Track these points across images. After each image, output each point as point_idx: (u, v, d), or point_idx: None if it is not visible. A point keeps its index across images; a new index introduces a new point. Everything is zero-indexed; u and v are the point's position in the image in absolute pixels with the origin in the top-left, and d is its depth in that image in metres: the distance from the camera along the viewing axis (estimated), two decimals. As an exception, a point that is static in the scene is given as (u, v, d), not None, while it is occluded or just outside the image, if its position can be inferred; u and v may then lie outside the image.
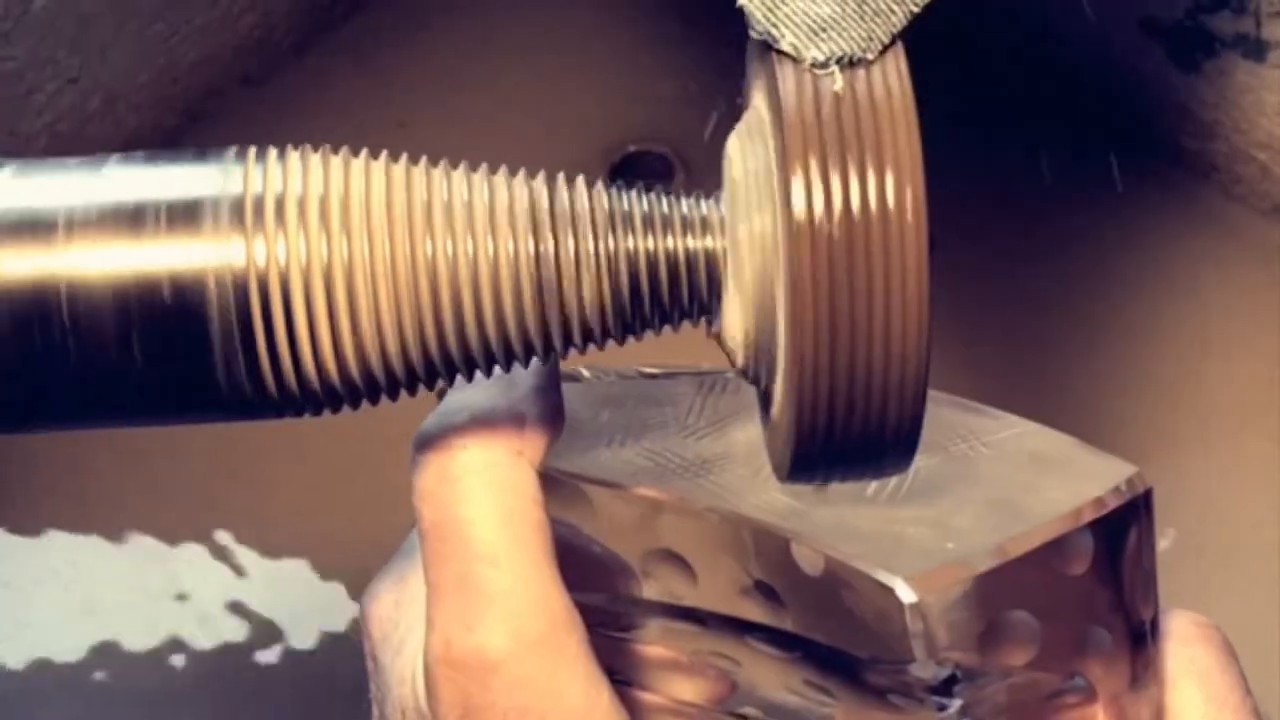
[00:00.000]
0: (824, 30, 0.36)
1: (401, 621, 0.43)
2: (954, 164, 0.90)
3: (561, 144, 0.96)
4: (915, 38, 0.37)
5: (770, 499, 0.40)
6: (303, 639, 0.85)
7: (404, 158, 0.38)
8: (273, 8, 0.97)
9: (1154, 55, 0.91)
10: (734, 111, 0.40)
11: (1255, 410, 0.90)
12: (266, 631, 0.85)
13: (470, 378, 0.39)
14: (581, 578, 0.43)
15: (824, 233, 0.35)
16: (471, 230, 0.37)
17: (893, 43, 0.36)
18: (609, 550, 0.45)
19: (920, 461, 0.38)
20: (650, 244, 0.38)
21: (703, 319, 0.39)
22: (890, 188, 0.35)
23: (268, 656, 0.85)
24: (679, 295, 0.38)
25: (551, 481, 0.43)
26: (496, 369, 0.39)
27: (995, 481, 0.44)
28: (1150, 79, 0.93)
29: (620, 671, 0.45)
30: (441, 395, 0.42)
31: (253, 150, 0.37)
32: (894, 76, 0.35)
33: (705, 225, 0.38)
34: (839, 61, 0.35)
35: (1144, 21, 0.90)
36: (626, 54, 0.99)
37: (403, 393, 0.39)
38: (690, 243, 0.38)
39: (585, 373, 0.49)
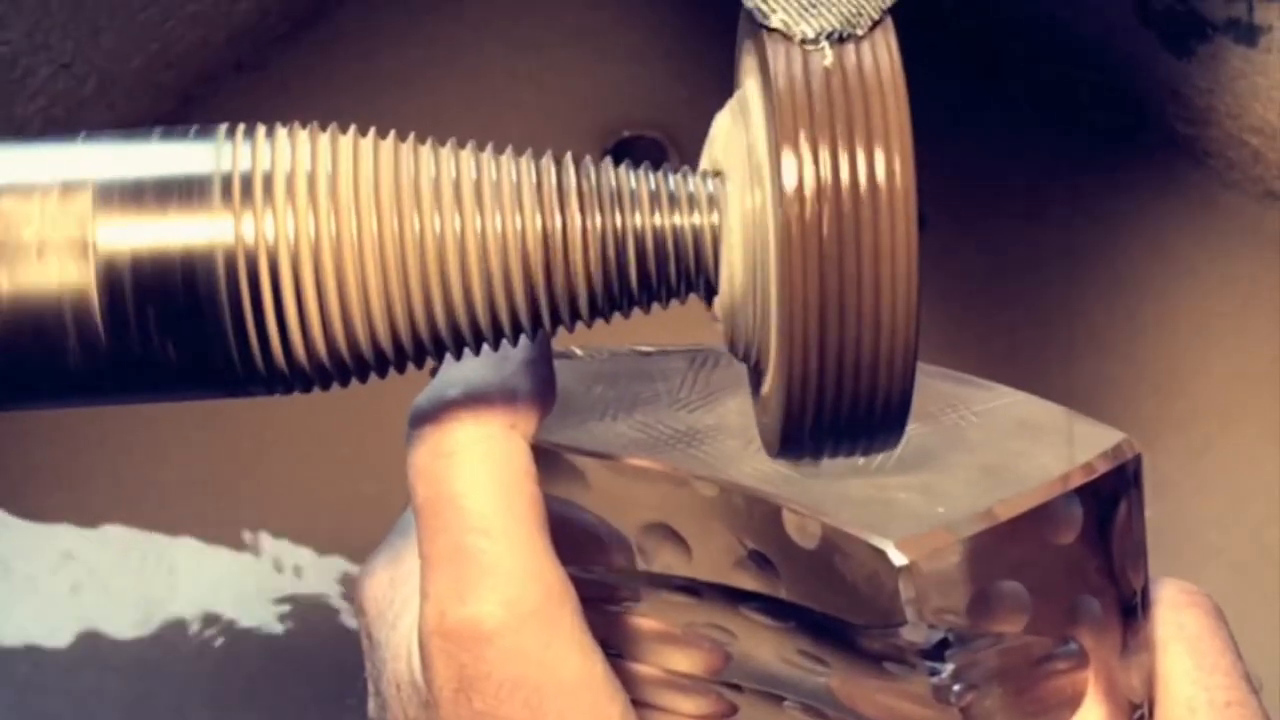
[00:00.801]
0: (814, 6, 0.36)
1: (396, 598, 0.43)
2: (946, 148, 0.90)
3: (555, 129, 0.96)
4: (908, 22, 0.37)
5: (762, 467, 0.40)
6: (299, 622, 0.85)
7: (392, 134, 0.38)
8: (267, -7, 0.97)
9: (1147, 40, 0.91)
10: (727, 96, 0.40)
11: (1250, 395, 0.90)
12: (263, 616, 0.85)
13: (459, 355, 0.39)
14: (576, 552, 0.43)
15: (814, 208, 0.35)
16: (465, 206, 0.37)
17: (882, 19, 0.36)
18: (603, 523, 0.45)
19: (911, 430, 0.38)
20: (641, 221, 0.38)
21: (694, 296, 0.39)
22: (880, 163, 0.35)
23: (263, 643, 0.85)
24: (670, 272, 0.38)
25: (545, 456, 0.43)
26: (485, 347, 0.39)
27: (985, 448, 0.44)
28: (1143, 64, 0.93)
29: (615, 645, 0.46)
30: (435, 373, 0.42)
31: (242, 127, 0.37)
32: (884, 52, 0.36)
33: (696, 202, 0.38)
34: (829, 37, 0.36)
35: (1138, 6, 0.91)
36: (619, 39, 0.99)
37: (392, 371, 0.39)
38: (680, 220, 0.38)
39: (578, 351, 0.49)
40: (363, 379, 0.39)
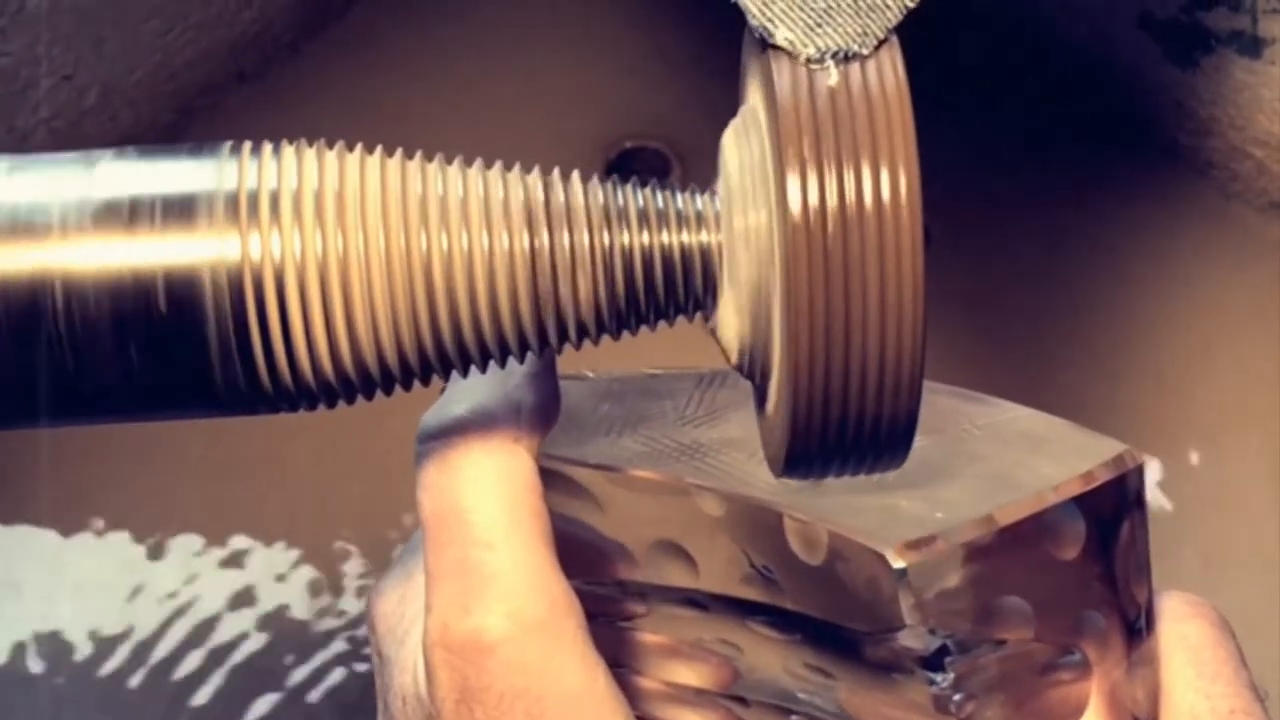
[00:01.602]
0: (819, 25, 0.36)
1: (406, 614, 0.44)
2: (951, 161, 0.90)
3: (558, 140, 0.96)
4: (911, 34, 0.37)
5: (765, 478, 0.40)
6: (295, 632, 0.85)
7: (399, 152, 0.38)
8: (269, 4, 0.97)
9: (1151, 51, 0.91)
10: (730, 107, 0.40)
11: (1252, 405, 0.90)
12: (259, 625, 0.85)
13: (465, 373, 0.39)
14: (582, 566, 0.43)
15: (819, 228, 0.35)
16: (466, 225, 0.37)
17: (887, 38, 0.36)
18: (608, 539, 0.46)
19: (914, 443, 0.38)
20: (646, 239, 0.38)
21: (699, 314, 0.39)
22: (885, 182, 0.35)
23: (258, 651, 0.85)
24: (675, 290, 0.38)
25: (551, 475, 0.43)
26: (492, 364, 0.39)
27: (987, 459, 0.44)
28: (1147, 75, 0.93)
29: (621, 660, 0.46)
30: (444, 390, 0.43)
31: (247, 145, 0.37)
32: (889, 71, 0.36)
33: (701, 220, 0.38)
34: (834, 56, 0.36)
35: (1141, 18, 0.90)
36: (623, 50, 0.99)
37: (398, 388, 0.39)
38: (686, 238, 0.38)
39: (590, 374, 0.49)
40: (368, 396, 0.39)
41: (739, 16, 0.37)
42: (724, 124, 0.40)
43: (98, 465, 0.88)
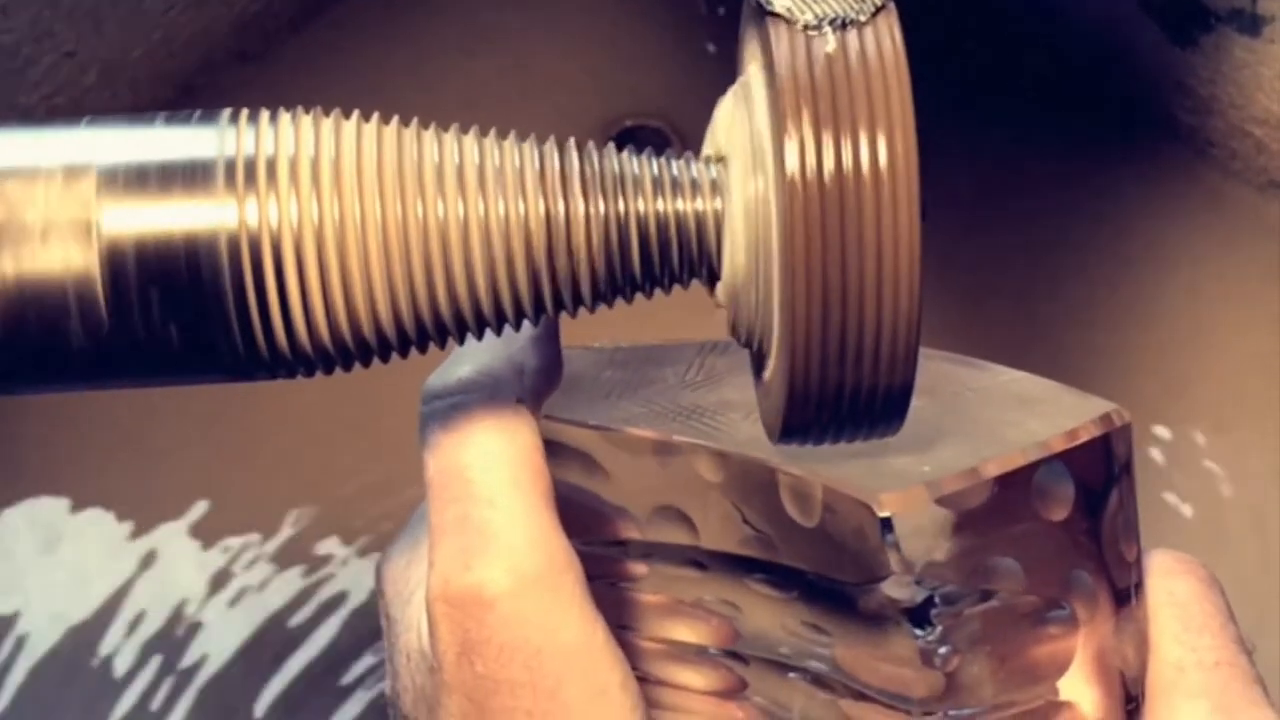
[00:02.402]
0: (817, -8, 0.36)
1: (412, 578, 0.44)
2: (948, 138, 0.90)
3: (558, 118, 0.96)
4: (908, 6, 0.37)
5: (759, 437, 0.41)
6: (296, 609, 0.85)
7: (395, 120, 0.38)
8: (270, -18, 0.97)
9: (1150, 30, 0.91)
10: (729, 85, 0.40)
11: (1251, 385, 0.90)
12: (255, 604, 0.85)
13: (462, 341, 0.39)
14: (583, 528, 0.44)
15: (817, 194, 0.35)
16: (465, 192, 0.37)
17: (884, 5, 0.36)
18: (609, 503, 0.46)
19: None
20: (643, 206, 0.38)
21: (696, 280, 0.39)
22: (882, 148, 0.35)
23: (258, 629, 0.85)
24: (674, 258, 0.38)
25: (553, 442, 0.44)
26: (490, 335, 0.39)
27: (978, 419, 0.45)
28: (1146, 54, 0.93)
29: (621, 620, 0.46)
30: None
31: (245, 112, 0.37)
32: (886, 38, 0.36)
33: (698, 187, 0.38)
34: (831, 23, 0.36)
35: (1140, -4, 0.91)
36: (622, 28, 0.99)
37: (396, 355, 0.39)
38: (684, 205, 0.38)
39: (595, 344, 0.50)
40: (366, 363, 0.39)
41: (735, -12, 0.37)
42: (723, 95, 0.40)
43: (98, 440, 0.88)
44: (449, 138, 0.38)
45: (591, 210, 0.37)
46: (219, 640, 0.84)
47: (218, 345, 0.37)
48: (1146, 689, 0.44)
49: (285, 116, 0.37)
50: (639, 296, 0.39)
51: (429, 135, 0.38)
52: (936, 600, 0.41)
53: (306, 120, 0.37)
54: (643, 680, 0.43)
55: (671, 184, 0.38)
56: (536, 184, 0.37)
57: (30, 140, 0.37)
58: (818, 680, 0.44)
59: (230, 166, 0.36)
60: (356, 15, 1.00)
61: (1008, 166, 0.95)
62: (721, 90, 0.40)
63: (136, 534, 0.86)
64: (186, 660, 0.84)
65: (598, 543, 0.47)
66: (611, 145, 0.39)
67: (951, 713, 0.42)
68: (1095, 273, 0.93)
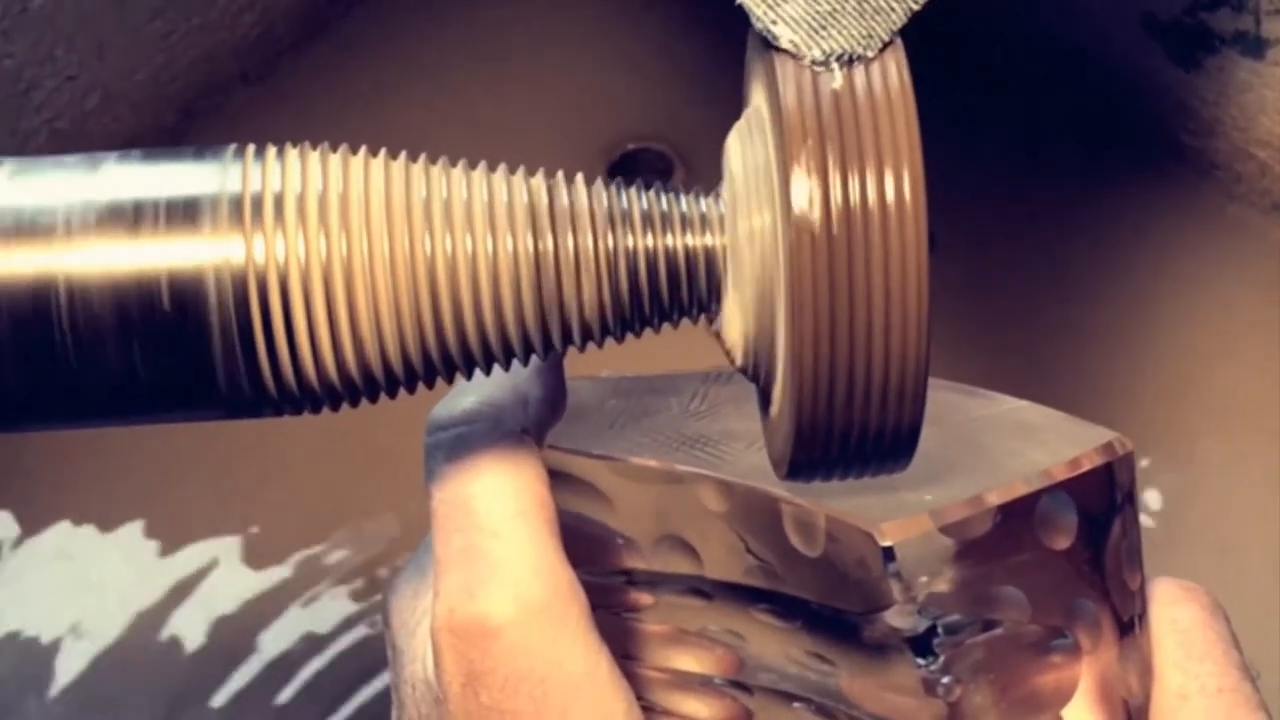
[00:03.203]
0: (824, 28, 0.36)
1: (418, 608, 0.44)
2: (953, 162, 0.90)
3: (561, 142, 0.96)
4: (915, 34, 0.37)
5: (762, 466, 0.41)
6: (302, 631, 0.85)
7: (403, 155, 0.38)
8: (271, 5, 0.97)
9: (1154, 52, 0.91)
10: (733, 109, 0.40)
11: (1255, 407, 0.90)
12: (269, 623, 0.85)
13: (469, 376, 0.39)
14: (588, 558, 0.44)
15: (824, 231, 0.35)
16: (471, 228, 0.37)
17: (892, 40, 0.36)
18: (614, 532, 0.46)
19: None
20: (650, 242, 0.38)
21: (703, 316, 0.39)
22: (890, 186, 0.35)
23: (269, 649, 0.85)
24: (679, 293, 0.38)
25: (558, 472, 0.44)
26: (497, 367, 0.39)
27: (981, 448, 0.45)
28: (1150, 76, 0.92)
29: (626, 650, 0.46)
30: None
31: (251, 148, 0.37)
32: (894, 74, 0.35)
33: (705, 223, 0.38)
34: (838, 59, 0.36)
35: (1144, 18, 0.90)
36: (625, 51, 0.99)
37: (401, 391, 0.39)
38: (690, 240, 0.38)
39: (602, 374, 0.50)
40: (372, 399, 0.39)
41: (742, 17, 0.37)
42: (727, 126, 0.40)
43: (91, 462, 0.88)
44: (454, 174, 0.38)
45: (598, 246, 0.37)
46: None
47: (225, 382, 0.37)
48: (1150, 717, 0.44)
49: (290, 152, 0.37)
50: (646, 331, 0.39)
51: (435, 171, 0.38)
52: (939, 630, 0.41)
53: (312, 156, 0.37)
54: (648, 710, 0.43)
55: (680, 219, 0.38)
56: (544, 220, 0.37)
57: (33, 176, 0.37)
58: (822, 710, 0.44)
59: (235, 203, 0.36)
60: (357, 38, 1.00)
61: (1009, 190, 0.95)
62: (725, 114, 0.40)
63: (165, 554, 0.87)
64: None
65: (602, 572, 0.47)
66: (619, 180, 0.39)
67: None
68: (1099, 295, 0.93)
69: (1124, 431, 0.45)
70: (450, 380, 0.39)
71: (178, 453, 0.88)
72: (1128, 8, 0.91)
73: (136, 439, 0.86)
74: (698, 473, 0.44)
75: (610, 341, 0.39)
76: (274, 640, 0.85)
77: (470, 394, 0.43)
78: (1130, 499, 0.44)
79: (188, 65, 0.94)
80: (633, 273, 0.38)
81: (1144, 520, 0.87)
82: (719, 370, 0.49)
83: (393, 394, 0.39)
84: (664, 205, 0.38)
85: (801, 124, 0.35)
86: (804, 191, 0.35)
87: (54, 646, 0.85)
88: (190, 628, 0.85)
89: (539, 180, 0.38)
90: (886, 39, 0.36)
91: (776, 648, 0.45)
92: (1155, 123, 0.95)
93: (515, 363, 0.40)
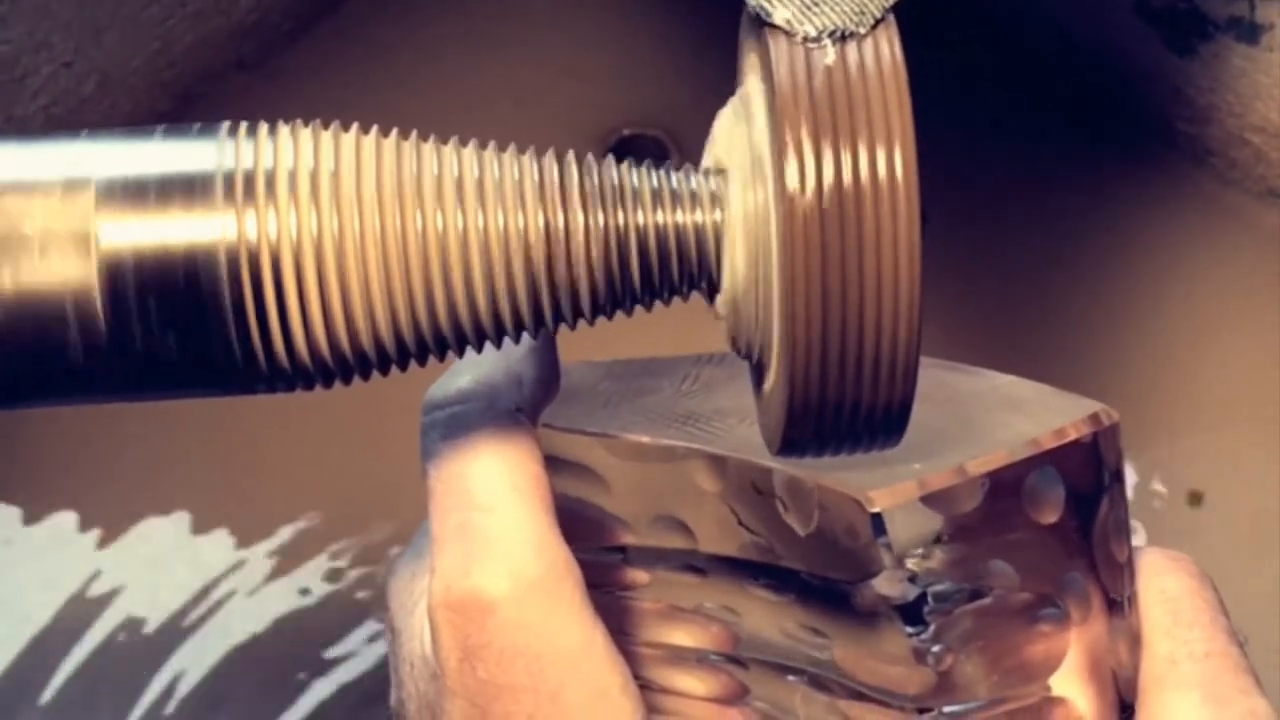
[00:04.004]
0: (816, 5, 0.36)
1: (416, 589, 0.45)
2: (947, 147, 0.90)
3: (556, 127, 0.96)
4: (909, 18, 0.37)
5: (754, 439, 0.41)
6: (295, 615, 0.85)
7: (394, 132, 0.38)
8: (268, -8, 0.97)
9: (1148, 39, 0.91)
10: (728, 94, 0.40)
11: (1250, 392, 0.90)
12: (261, 608, 0.85)
13: (461, 353, 0.39)
14: (583, 536, 0.44)
15: (817, 207, 0.35)
16: (463, 205, 0.37)
17: (884, 17, 0.36)
18: (609, 513, 0.46)
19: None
20: (642, 219, 0.38)
21: (695, 293, 0.39)
22: (882, 161, 0.35)
23: (261, 637, 0.85)
24: (672, 271, 0.38)
25: (553, 457, 0.44)
26: (490, 347, 0.39)
27: (969, 421, 0.45)
28: (1145, 63, 0.93)
29: (622, 628, 0.47)
30: None
31: (244, 125, 0.37)
32: (886, 50, 0.36)
33: (698, 199, 0.38)
34: (831, 35, 0.36)
35: (1139, 4, 0.90)
36: (620, 37, 0.99)
37: (395, 369, 0.39)
38: (683, 217, 0.38)
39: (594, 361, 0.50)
40: (365, 376, 0.39)
41: (736, 0, 0.37)
42: (721, 109, 0.40)
43: (78, 448, 0.88)
44: (447, 150, 0.38)
45: (590, 222, 0.37)
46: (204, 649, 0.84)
47: (216, 359, 0.37)
48: (1139, 685, 0.44)
49: (284, 129, 0.37)
50: (638, 309, 0.39)
51: (427, 148, 0.38)
52: (929, 599, 0.42)
53: (305, 133, 0.37)
54: (644, 687, 0.43)
55: (671, 196, 0.38)
56: (535, 196, 0.37)
57: (29, 153, 0.37)
58: (816, 682, 0.45)
59: (229, 179, 0.36)
60: (354, 24, 1.00)
61: (1005, 174, 0.95)
62: (720, 99, 0.40)
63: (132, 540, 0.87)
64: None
65: (597, 550, 0.47)
66: (610, 157, 0.39)
67: (947, 709, 0.42)
68: (1093, 280, 0.93)
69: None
70: (442, 358, 0.39)
71: (158, 433, 0.88)
72: (1123, -6, 0.91)
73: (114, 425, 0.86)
74: (690, 447, 0.45)
75: (601, 320, 0.39)
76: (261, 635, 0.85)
77: (465, 373, 0.43)
78: (1117, 470, 0.44)
79: (184, 51, 0.94)
80: (626, 249, 0.38)
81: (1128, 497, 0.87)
82: (712, 354, 0.50)
83: (386, 371, 0.39)
84: (656, 182, 0.38)
85: (794, 100, 0.35)
86: (797, 168, 0.35)
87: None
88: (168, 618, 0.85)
89: (534, 156, 0.38)
90: (879, 16, 0.36)
91: (771, 622, 0.45)
92: (1150, 109, 0.95)
93: (510, 343, 0.40)
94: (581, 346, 0.46)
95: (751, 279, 0.37)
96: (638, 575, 0.47)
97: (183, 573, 0.86)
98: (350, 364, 0.38)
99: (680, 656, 0.47)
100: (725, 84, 0.40)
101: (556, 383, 0.44)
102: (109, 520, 0.87)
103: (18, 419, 0.86)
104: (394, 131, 0.38)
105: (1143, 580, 0.45)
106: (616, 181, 0.38)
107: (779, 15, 0.36)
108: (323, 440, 0.89)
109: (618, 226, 0.38)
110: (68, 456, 0.88)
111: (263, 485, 0.88)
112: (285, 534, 0.87)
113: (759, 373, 0.39)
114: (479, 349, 0.39)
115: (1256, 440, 0.89)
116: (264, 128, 0.37)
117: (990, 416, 0.45)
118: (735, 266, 0.38)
